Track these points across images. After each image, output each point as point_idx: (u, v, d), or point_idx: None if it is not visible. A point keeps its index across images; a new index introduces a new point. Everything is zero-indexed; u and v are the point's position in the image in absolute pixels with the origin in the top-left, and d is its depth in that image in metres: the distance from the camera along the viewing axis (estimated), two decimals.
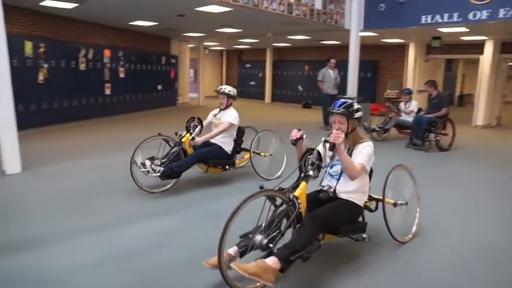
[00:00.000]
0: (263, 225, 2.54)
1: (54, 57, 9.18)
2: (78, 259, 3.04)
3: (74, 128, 9.35)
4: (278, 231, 2.51)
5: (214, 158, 4.94)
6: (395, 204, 3.38)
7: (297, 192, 2.64)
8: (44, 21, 9.31)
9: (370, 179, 3.15)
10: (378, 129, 8.56)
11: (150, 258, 3.07)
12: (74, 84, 9.79)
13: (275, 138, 5.61)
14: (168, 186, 4.73)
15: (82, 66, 10.12)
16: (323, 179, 3.04)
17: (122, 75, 11.69)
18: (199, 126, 4.93)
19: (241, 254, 2.57)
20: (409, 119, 8.27)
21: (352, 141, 2.93)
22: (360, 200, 2.98)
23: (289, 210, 2.58)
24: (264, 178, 5.23)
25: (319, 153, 2.82)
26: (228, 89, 5.12)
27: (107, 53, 11.04)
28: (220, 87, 5.18)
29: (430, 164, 6.71)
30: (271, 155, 5.52)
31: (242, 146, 5.35)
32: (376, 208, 3.28)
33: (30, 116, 8.38)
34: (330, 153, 2.87)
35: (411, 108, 8.39)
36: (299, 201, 2.59)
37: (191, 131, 4.88)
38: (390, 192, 3.38)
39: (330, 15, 9.78)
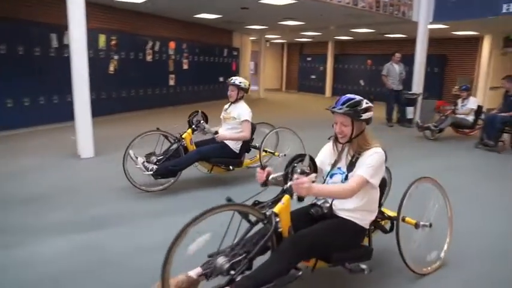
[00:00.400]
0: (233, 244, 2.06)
1: (124, 49, 9.68)
2: (143, 241, 3.20)
3: (139, 116, 9.78)
4: (245, 254, 1.97)
5: (217, 157, 4.45)
6: (417, 225, 2.78)
7: (277, 208, 2.08)
8: (115, 15, 9.81)
9: (383, 193, 2.60)
10: (432, 128, 7.95)
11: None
12: (140, 75, 10.26)
13: (293, 137, 5.10)
14: (166, 185, 4.32)
15: (149, 58, 10.56)
16: None
17: (185, 66, 12.05)
18: (202, 121, 4.53)
19: (208, 275, 2.03)
20: (469, 118, 7.82)
21: (357, 147, 2.33)
22: (363, 219, 2.38)
23: (267, 230, 2.05)
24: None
25: (312, 159, 2.28)
26: (238, 80, 4.56)
27: (172, 45, 11.42)
28: (231, 78, 4.64)
29: (502, 167, 6.27)
30: (285, 155, 4.88)
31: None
32: (392, 229, 2.69)
33: (101, 104, 8.88)
34: (331, 160, 2.44)
35: (469, 106, 7.87)
36: (277, 219, 2.05)
37: (193, 126, 4.52)
38: (412, 210, 2.80)
39: (397, 6, 9.40)
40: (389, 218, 2.69)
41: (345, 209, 2.36)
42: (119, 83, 9.61)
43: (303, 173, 2.15)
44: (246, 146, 4.65)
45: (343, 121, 2.29)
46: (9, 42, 7.21)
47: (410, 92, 9.57)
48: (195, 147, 4.48)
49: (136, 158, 4.10)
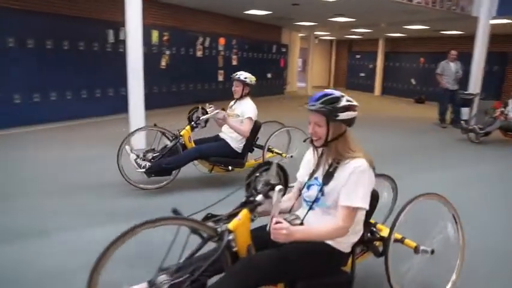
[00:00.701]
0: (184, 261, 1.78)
1: (175, 44, 9.95)
2: None
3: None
4: (188, 275, 1.69)
5: (217, 156, 4.16)
6: (416, 249, 2.31)
7: (232, 224, 1.79)
8: (168, 12, 10.07)
9: (374, 209, 2.10)
10: (478, 130, 7.30)
11: None
12: (191, 70, 10.49)
13: (302, 137, 4.73)
14: (162, 183, 4.11)
15: (199, 54, 10.78)
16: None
17: (234, 62, 12.18)
18: (202, 117, 4.24)
19: None
20: None
21: (335, 154, 1.90)
22: (341, 242, 1.92)
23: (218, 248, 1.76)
24: None
25: (282, 169, 1.97)
26: (244, 75, 4.22)
27: (221, 41, 11.58)
28: (236, 73, 4.31)
29: None
30: (292, 156, 4.53)
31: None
32: (383, 254, 2.18)
33: (153, 98, 9.16)
34: (310, 168, 2.02)
35: None
36: (231, 236, 1.75)
37: (192, 123, 4.24)
38: (410, 230, 2.40)
39: (455, 1, 8.99)
40: (381, 239, 2.25)
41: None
42: (170, 77, 9.89)
43: (267, 184, 1.81)
44: (249, 145, 4.33)
45: (317, 120, 1.86)
46: (71, 39, 7.65)
47: (466, 92, 9.11)
48: (194, 145, 4.21)
49: (130, 154, 3.94)
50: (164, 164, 3.95)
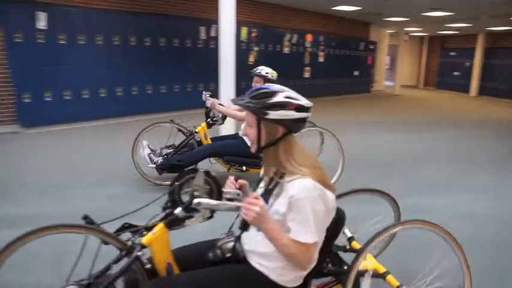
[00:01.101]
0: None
1: (263, 41, 10.04)
2: None
3: None
4: None
5: (232, 155, 3.90)
6: None
7: (145, 238, 1.58)
8: (257, 8, 10.20)
9: (337, 233, 1.70)
10: None
11: None
12: (277, 67, 10.42)
13: (332, 141, 4.28)
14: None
15: (286, 50, 10.78)
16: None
17: (321, 59, 12.02)
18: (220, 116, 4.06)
19: None
20: None
21: (275, 165, 1.50)
22: (283, 274, 1.50)
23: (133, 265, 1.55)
24: None
25: (213, 178, 1.65)
26: (265, 70, 3.92)
27: (308, 37, 11.48)
28: (256, 68, 3.99)
29: None
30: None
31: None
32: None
33: (240, 93, 9.35)
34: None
35: None
36: (139, 252, 1.54)
37: (209, 120, 4.09)
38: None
39: None
40: (336, 273, 1.78)
41: (255, 252, 1.54)
42: None
43: (192, 197, 1.53)
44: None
45: (249, 119, 1.49)
46: (168, 36, 8.09)
47: None
48: (210, 142, 4.04)
49: (144, 148, 3.86)
50: (175, 161, 3.78)
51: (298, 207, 1.38)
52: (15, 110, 6.62)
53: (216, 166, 4.09)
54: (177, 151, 3.95)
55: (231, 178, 1.59)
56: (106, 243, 1.57)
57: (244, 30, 9.44)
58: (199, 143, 4.04)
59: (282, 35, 10.69)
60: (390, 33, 16.27)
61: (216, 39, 8.10)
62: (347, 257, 1.87)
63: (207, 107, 4.10)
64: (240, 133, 3.99)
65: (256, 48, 9.81)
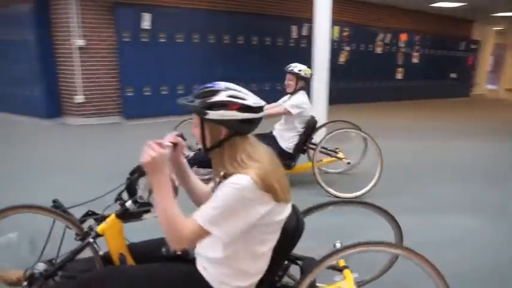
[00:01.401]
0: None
1: (355, 40, 9.84)
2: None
3: (360, 109, 9.73)
4: (58, 270, 1.63)
5: None
6: None
7: (100, 227, 1.62)
8: (349, 7, 9.98)
9: (291, 245, 1.51)
10: None
11: None
12: (368, 67, 10.22)
13: (372, 146, 3.91)
14: (206, 177, 3.44)
15: (378, 50, 10.44)
16: None
17: (415, 60, 11.45)
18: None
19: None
20: None
21: (221, 167, 1.39)
22: (223, 282, 1.40)
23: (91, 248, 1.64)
24: (331, 194, 3.65)
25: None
26: (298, 67, 3.79)
27: (402, 37, 10.99)
28: (289, 65, 3.86)
29: None
30: (349, 163, 4.07)
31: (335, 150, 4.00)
32: None
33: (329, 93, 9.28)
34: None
35: None
36: (92, 239, 1.61)
37: None
38: None
39: None
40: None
41: (202, 255, 1.45)
42: (347, 73, 9.79)
43: (150, 191, 1.53)
44: (301, 145, 3.84)
45: (194, 119, 1.41)
46: (260, 35, 8.30)
47: None
48: None
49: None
50: (204, 157, 3.76)
51: (216, 193, 1.31)
52: (120, 103, 7.23)
53: None
54: None
55: (174, 132, 1.53)
56: (69, 227, 1.69)
57: (336, 29, 9.30)
58: None
59: (375, 35, 10.36)
60: (496, 31, 14.92)
61: (307, 38, 8.13)
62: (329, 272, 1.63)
63: None
64: (273, 132, 3.95)
65: (347, 48, 9.63)
